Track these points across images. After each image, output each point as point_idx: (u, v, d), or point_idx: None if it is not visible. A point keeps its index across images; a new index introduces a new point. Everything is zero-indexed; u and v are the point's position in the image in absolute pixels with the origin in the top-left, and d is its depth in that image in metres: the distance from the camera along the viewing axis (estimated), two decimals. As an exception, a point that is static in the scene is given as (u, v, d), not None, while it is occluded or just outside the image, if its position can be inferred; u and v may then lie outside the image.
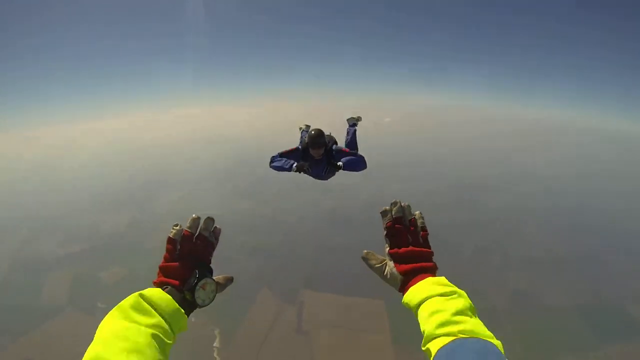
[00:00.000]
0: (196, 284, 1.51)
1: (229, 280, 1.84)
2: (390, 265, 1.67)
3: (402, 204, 1.73)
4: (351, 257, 53.02)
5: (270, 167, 6.53)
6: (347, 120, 8.55)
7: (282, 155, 6.64)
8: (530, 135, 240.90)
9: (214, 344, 37.96)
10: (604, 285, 49.84)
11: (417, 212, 1.78)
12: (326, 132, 6.99)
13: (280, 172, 6.51)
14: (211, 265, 1.71)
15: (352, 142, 7.99)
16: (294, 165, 6.27)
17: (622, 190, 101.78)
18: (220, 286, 1.73)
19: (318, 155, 6.59)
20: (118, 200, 77.70)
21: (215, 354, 37.06)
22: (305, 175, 6.67)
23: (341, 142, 7.70)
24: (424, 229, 1.74)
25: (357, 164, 6.55)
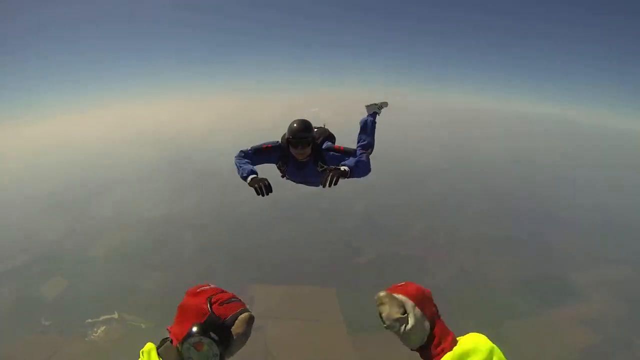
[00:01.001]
0: (186, 340, 1.37)
1: (247, 323, 1.60)
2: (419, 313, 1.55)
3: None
4: (297, 247, 55.35)
5: (235, 169, 4.99)
6: (367, 107, 6.55)
7: (255, 151, 5.13)
8: (471, 122, 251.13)
9: None
10: (546, 259, 54.48)
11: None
12: (319, 124, 5.77)
13: (239, 175, 4.89)
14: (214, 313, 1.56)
15: (367, 138, 5.79)
16: (249, 177, 4.69)
17: (559, 172, 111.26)
18: (234, 349, 1.52)
19: (302, 156, 5.03)
20: (55, 206, 73.92)
21: (169, 360, 37.00)
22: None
23: (348, 139, 6.06)
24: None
25: (361, 169, 4.98)
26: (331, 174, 4.44)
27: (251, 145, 5.13)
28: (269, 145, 5.15)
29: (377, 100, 6.75)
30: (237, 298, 1.67)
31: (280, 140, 5.21)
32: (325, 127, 5.93)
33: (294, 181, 5.71)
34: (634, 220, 71.82)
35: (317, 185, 5.13)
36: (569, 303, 45.42)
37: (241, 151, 5.08)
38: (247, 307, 1.66)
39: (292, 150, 4.94)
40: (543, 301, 45.34)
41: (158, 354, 1.41)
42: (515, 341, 38.20)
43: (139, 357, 1.42)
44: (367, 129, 5.88)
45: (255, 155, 5.09)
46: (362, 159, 5.12)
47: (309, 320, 40.50)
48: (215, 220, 65.10)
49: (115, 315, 41.57)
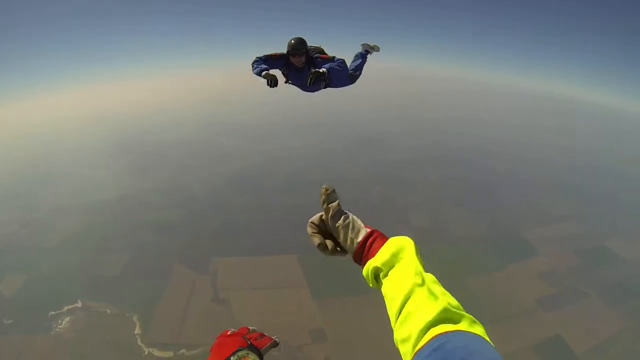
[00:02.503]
0: (235, 353, 1.60)
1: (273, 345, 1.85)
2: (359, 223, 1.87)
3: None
4: (255, 218, 55.59)
5: (251, 68, 6.47)
6: (361, 45, 8.18)
7: (266, 58, 6.59)
8: (425, 93, 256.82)
9: (135, 332, 36.73)
10: (500, 218, 57.66)
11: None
12: (315, 44, 7.00)
13: (256, 75, 6.36)
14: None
15: (356, 65, 7.70)
16: (263, 72, 6.19)
17: (510, 134, 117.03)
18: None
19: (299, 63, 6.56)
20: (1, 199, 69.21)
21: (139, 342, 35.85)
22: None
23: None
24: None
25: (340, 71, 6.38)
26: (312, 74, 6.01)
27: (263, 54, 6.62)
28: (277, 53, 6.66)
29: (371, 42, 8.33)
30: (265, 335, 1.89)
31: (285, 52, 6.65)
32: (321, 47, 7.06)
33: (294, 84, 7.04)
34: (578, 180, 77.57)
35: (311, 91, 7.05)
36: (524, 258, 48.44)
37: (256, 57, 6.57)
38: (277, 340, 1.87)
39: (291, 59, 6.54)
40: (500, 257, 48.01)
41: None
42: (477, 295, 40.47)
43: None
44: (359, 59, 7.85)
45: (267, 60, 6.56)
46: (338, 65, 6.39)
47: (273, 288, 41.05)
48: (169, 199, 64.02)
49: (79, 304, 40.22)
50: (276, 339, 1.85)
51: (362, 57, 7.88)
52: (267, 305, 38.56)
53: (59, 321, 38.25)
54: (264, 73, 6.16)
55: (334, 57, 6.65)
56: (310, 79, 5.97)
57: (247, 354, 1.61)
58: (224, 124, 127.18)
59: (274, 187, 67.18)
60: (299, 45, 6.39)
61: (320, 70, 6.00)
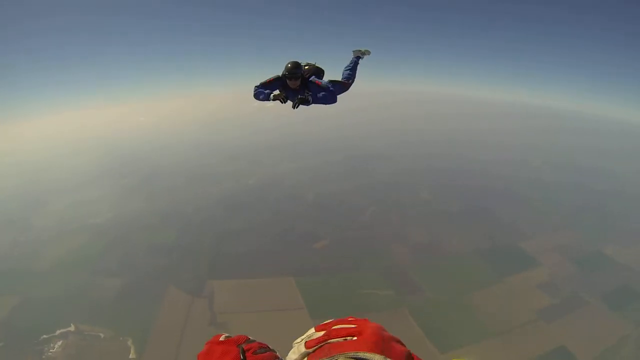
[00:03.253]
0: None
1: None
2: None
3: None
4: (250, 240, 55.03)
5: (254, 96, 7.22)
6: (353, 52, 8.83)
7: (263, 85, 7.21)
8: (412, 107, 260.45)
9: (130, 356, 35.80)
10: (496, 232, 57.61)
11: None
12: (310, 62, 7.68)
13: (263, 101, 7.11)
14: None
15: (349, 72, 8.47)
16: (272, 94, 6.98)
17: (502, 153, 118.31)
18: None
19: (294, 85, 7.11)
20: None
21: (133, 366, 34.56)
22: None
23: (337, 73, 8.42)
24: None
25: (326, 99, 7.14)
26: (298, 100, 6.98)
27: (259, 82, 7.22)
28: (271, 78, 7.21)
29: (362, 47, 8.86)
30: (267, 347, 1.74)
31: (280, 75, 7.18)
32: (316, 64, 7.65)
33: (292, 101, 7.39)
34: (566, 193, 78.23)
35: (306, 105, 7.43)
36: (523, 269, 48.29)
37: (255, 86, 7.22)
38: (279, 356, 1.72)
39: (288, 82, 7.06)
40: (499, 270, 47.83)
41: None
42: (477, 309, 40.18)
43: None
44: (351, 66, 8.52)
45: (266, 86, 7.17)
46: (326, 93, 7.17)
47: (272, 310, 40.37)
48: (163, 222, 63.52)
49: (72, 328, 39.34)
50: (277, 354, 1.73)
51: (354, 64, 8.59)
52: (266, 328, 37.37)
53: (51, 345, 37.33)
54: (272, 96, 6.99)
55: (328, 86, 7.38)
56: (296, 105, 7.00)
57: None
58: (218, 146, 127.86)
59: (268, 209, 66.74)
60: (294, 70, 6.93)
61: (306, 98, 6.98)
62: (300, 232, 56.68)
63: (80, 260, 52.03)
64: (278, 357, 1.71)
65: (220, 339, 1.64)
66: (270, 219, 62.23)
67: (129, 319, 39.49)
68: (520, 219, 62.85)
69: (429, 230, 58.17)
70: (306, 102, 7.00)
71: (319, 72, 7.68)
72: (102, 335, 38.52)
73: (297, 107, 7.02)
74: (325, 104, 7.20)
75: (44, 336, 38.09)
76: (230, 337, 1.67)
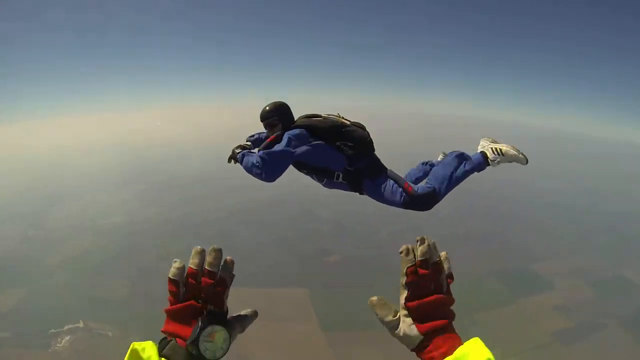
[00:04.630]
0: (199, 334, 1.30)
1: (251, 316, 1.59)
2: (407, 322, 1.35)
3: (430, 243, 1.42)
4: (262, 249, 54.83)
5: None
6: (483, 142, 4.88)
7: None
8: (434, 127, 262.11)
9: None
10: (509, 254, 56.54)
11: (442, 253, 1.48)
12: (331, 113, 4.59)
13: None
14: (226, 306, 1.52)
15: (440, 174, 4.41)
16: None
17: (513, 174, 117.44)
18: (237, 327, 1.50)
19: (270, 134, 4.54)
20: (9, 216, 68.38)
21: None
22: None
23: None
24: (450, 275, 1.48)
25: (248, 164, 4.16)
26: (232, 154, 4.53)
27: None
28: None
29: (503, 142, 4.81)
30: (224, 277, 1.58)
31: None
32: (340, 116, 4.56)
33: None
34: (579, 215, 77.03)
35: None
36: (537, 292, 47.33)
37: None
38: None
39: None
40: (512, 292, 46.98)
41: (163, 355, 1.24)
42: (489, 331, 39.10)
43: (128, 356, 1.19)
44: (448, 160, 4.57)
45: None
46: (255, 158, 4.12)
47: (282, 321, 39.79)
48: (174, 228, 63.20)
49: (81, 324, 39.12)
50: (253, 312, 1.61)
51: (460, 172, 4.53)
52: (276, 337, 37.44)
53: (59, 339, 37.14)
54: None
55: (276, 145, 4.18)
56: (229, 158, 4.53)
57: (212, 330, 1.33)
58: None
59: (281, 220, 66.41)
60: (266, 114, 4.49)
61: (236, 154, 4.47)
62: (314, 247, 56.33)
63: (91, 258, 52.05)
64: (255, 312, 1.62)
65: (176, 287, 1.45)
66: (285, 233, 61.57)
67: (138, 320, 39.06)
68: (534, 241, 61.68)
69: (441, 249, 56.99)
70: (233, 158, 4.50)
71: (330, 133, 4.33)
72: (110, 334, 38.37)
73: (229, 161, 4.55)
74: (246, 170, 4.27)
75: (52, 330, 37.86)
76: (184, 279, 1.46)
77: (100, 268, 49.67)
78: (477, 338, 1.20)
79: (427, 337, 1.29)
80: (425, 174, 4.76)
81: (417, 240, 1.41)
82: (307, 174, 4.54)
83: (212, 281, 1.45)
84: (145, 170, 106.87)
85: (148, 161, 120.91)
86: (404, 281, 1.40)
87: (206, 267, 1.46)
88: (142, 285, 45.69)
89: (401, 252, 1.40)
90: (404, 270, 1.39)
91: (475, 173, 4.65)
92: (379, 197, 4.36)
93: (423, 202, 4.23)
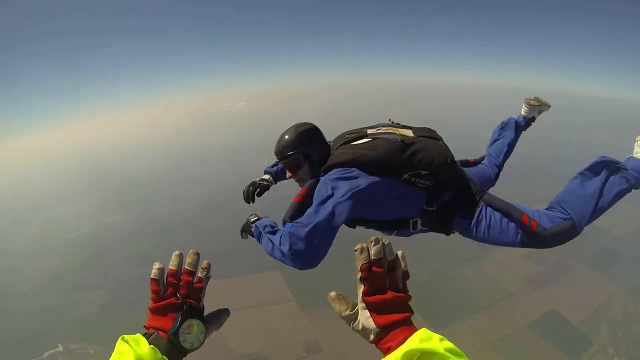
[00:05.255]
0: (179, 327, 1.42)
1: (224, 314, 1.71)
2: (365, 314, 1.37)
3: (384, 242, 1.39)
4: (232, 239, 53.93)
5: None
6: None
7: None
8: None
9: None
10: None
11: (399, 252, 1.46)
12: (380, 124, 3.09)
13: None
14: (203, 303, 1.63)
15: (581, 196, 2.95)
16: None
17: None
18: (214, 323, 1.61)
19: (299, 183, 3.17)
20: None
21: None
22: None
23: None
24: (406, 274, 1.46)
25: (272, 251, 2.62)
26: (244, 226, 3.12)
27: None
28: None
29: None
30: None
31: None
32: (395, 124, 3.11)
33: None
34: (544, 165, 79.04)
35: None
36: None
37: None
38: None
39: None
40: (482, 247, 48.47)
41: (149, 343, 1.34)
42: (463, 285, 41.13)
43: (120, 347, 1.29)
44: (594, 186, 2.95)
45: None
46: (279, 241, 2.54)
47: (260, 305, 40.22)
48: (144, 230, 62.21)
49: (60, 348, 38.27)
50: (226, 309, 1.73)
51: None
52: (257, 324, 37.55)
53: (41, 367, 36.25)
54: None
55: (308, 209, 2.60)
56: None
57: (190, 323, 1.45)
58: (190, 151, 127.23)
59: (244, 206, 65.76)
60: (280, 149, 3.04)
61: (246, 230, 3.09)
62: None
63: (62, 278, 50.40)
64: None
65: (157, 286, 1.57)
66: (239, 219, 61.22)
67: (117, 331, 37.32)
68: (503, 193, 63.18)
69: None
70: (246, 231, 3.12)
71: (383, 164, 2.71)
72: (92, 351, 37.64)
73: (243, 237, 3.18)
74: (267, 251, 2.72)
75: (32, 360, 37.02)
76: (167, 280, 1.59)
77: (70, 285, 48.44)
78: (424, 328, 1.26)
79: (385, 330, 1.31)
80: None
81: (371, 241, 1.38)
82: (366, 228, 3.03)
83: (191, 279, 1.58)
84: (101, 177, 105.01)
85: (102, 168, 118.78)
86: (359, 276, 1.38)
87: (185, 266, 1.59)
88: (115, 295, 45.09)
89: (356, 251, 1.37)
90: (359, 267, 1.37)
91: None
92: (481, 238, 2.97)
93: (550, 240, 2.77)
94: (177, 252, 1.62)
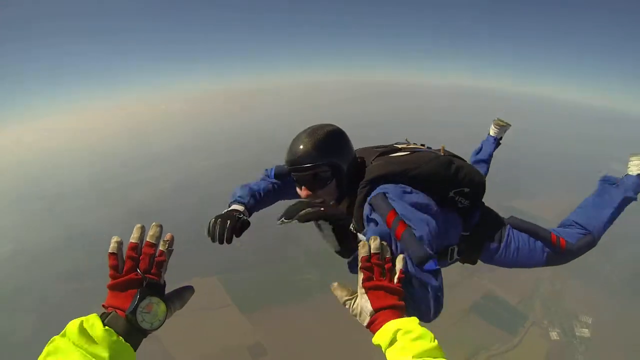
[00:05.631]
0: (137, 306, 1.31)
1: (187, 291, 1.61)
2: (364, 299, 1.51)
3: (382, 243, 1.58)
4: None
5: None
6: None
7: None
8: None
9: None
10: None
11: (400, 256, 1.60)
12: (398, 143, 2.73)
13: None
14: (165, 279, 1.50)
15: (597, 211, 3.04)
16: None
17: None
18: (176, 302, 1.52)
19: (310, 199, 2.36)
20: None
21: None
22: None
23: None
24: (401, 272, 1.57)
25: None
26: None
27: None
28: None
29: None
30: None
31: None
32: (413, 144, 2.71)
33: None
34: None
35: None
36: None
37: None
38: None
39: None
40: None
41: (105, 324, 1.25)
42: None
43: (75, 325, 1.19)
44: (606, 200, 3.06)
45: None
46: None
47: (199, 310, 38.77)
48: (70, 244, 58.73)
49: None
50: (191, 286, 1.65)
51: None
52: (199, 330, 36.59)
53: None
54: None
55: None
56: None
57: (149, 302, 1.35)
58: (125, 156, 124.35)
59: (183, 211, 63.08)
60: (291, 160, 2.21)
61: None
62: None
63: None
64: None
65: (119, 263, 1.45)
66: (186, 221, 58.84)
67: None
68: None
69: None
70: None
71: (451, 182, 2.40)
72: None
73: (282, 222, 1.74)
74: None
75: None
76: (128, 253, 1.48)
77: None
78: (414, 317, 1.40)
79: (378, 312, 1.46)
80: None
81: (371, 238, 1.58)
82: None
83: (153, 251, 1.47)
84: (29, 188, 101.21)
85: (30, 178, 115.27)
86: (360, 266, 1.55)
87: (147, 239, 1.48)
88: (48, 314, 41.95)
89: (359, 244, 1.57)
90: (360, 258, 1.56)
91: None
92: (510, 262, 2.67)
93: (575, 254, 2.75)
94: (138, 225, 1.49)
